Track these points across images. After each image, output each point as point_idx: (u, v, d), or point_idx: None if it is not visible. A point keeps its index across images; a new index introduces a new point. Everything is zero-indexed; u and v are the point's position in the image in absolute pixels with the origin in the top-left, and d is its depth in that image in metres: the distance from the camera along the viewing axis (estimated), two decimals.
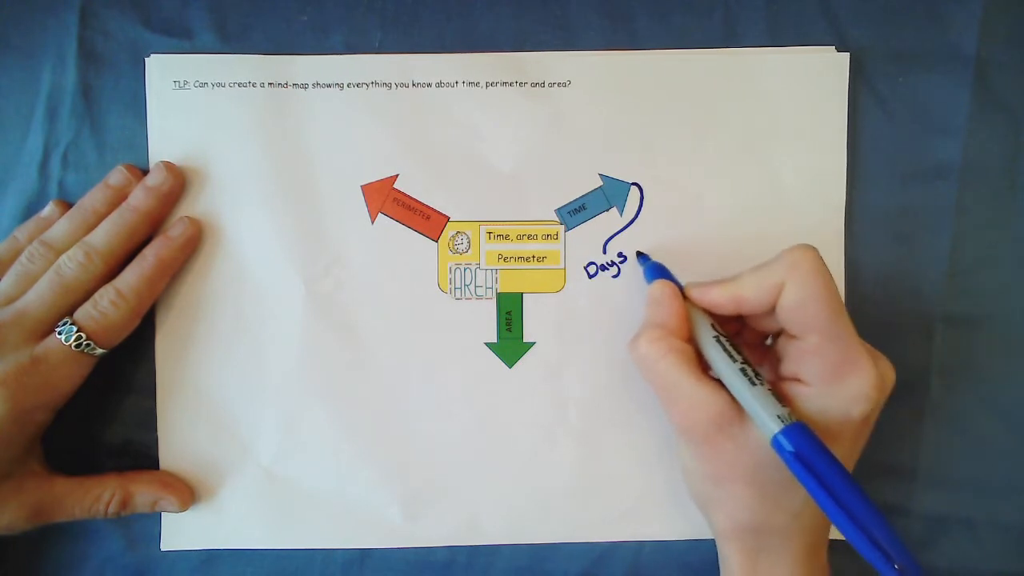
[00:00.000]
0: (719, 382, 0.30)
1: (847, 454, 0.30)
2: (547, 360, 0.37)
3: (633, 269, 0.37)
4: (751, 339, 0.34)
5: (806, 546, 0.31)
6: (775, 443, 0.28)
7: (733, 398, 0.30)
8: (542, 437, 0.37)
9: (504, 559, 0.37)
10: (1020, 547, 0.37)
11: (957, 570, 0.38)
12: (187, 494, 0.36)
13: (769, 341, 0.33)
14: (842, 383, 0.29)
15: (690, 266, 0.36)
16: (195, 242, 0.36)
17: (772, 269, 0.30)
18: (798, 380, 0.30)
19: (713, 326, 0.31)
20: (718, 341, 0.30)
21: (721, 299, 0.31)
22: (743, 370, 0.29)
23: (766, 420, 0.28)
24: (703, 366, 0.31)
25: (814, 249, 0.29)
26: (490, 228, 0.37)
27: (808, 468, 0.26)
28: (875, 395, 0.29)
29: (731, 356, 0.30)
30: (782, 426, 0.27)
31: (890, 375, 0.30)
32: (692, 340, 0.31)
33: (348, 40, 0.36)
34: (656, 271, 0.34)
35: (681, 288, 0.33)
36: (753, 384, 0.29)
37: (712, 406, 0.29)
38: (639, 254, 0.36)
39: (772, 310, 0.30)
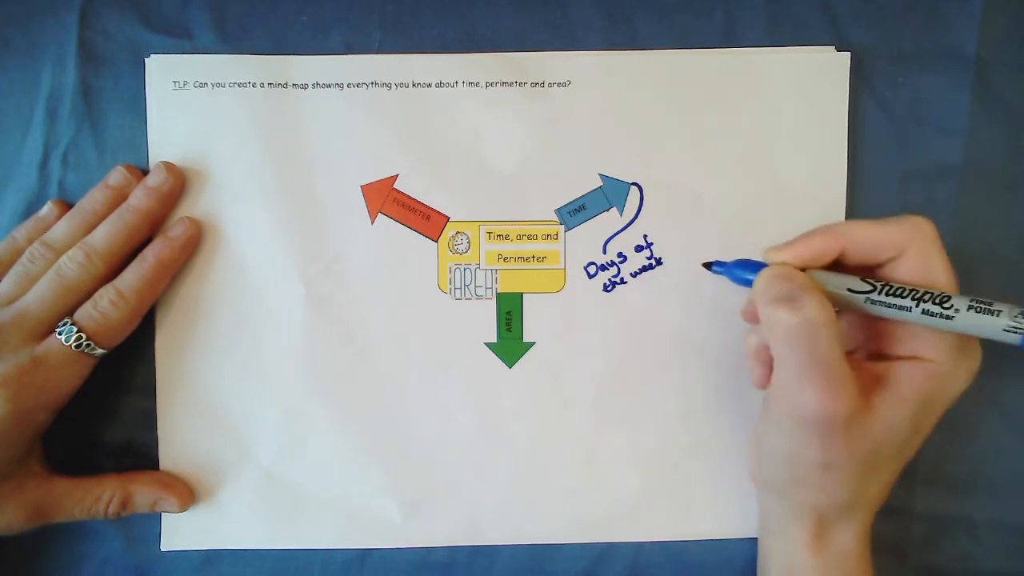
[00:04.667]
0: None
1: (933, 425, 0.30)
2: (547, 360, 0.37)
3: (632, 266, 0.37)
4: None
5: (874, 515, 0.32)
6: None
7: (861, 385, 0.29)
8: (542, 437, 0.37)
9: (504, 559, 0.37)
10: (1020, 547, 0.37)
11: (957, 570, 0.38)
12: (187, 494, 0.36)
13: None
14: (963, 359, 0.29)
15: (691, 266, 0.36)
16: (195, 242, 0.36)
17: (894, 227, 0.29)
18: (915, 358, 0.29)
19: (863, 279, 0.29)
20: (877, 286, 0.29)
21: (828, 243, 0.29)
22: (931, 296, 0.28)
23: (1002, 325, 0.27)
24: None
25: (931, 221, 0.30)
26: (490, 228, 0.37)
27: None
28: (978, 367, 0.29)
29: (915, 291, 0.28)
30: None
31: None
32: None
33: (348, 40, 0.36)
34: (746, 265, 0.32)
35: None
36: (949, 299, 0.28)
37: (856, 390, 0.28)
38: (709, 265, 0.34)
39: (871, 268, 0.30)
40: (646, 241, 0.37)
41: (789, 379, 0.29)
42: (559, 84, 0.36)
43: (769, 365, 0.33)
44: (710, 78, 0.36)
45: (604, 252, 0.37)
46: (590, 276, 0.37)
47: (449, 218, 0.37)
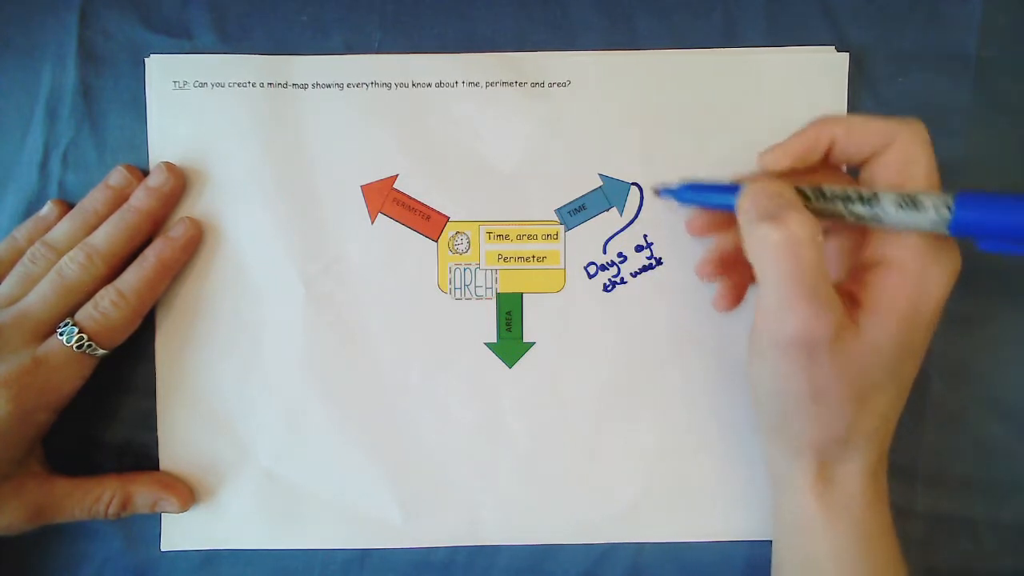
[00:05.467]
0: None
1: (924, 342, 0.29)
2: (547, 360, 0.37)
3: (632, 266, 0.37)
4: None
5: (881, 453, 0.31)
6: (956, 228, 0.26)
7: (843, 305, 0.28)
8: (542, 437, 0.37)
9: (504, 559, 0.37)
10: (1020, 547, 0.37)
11: (957, 570, 0.38)
12: (187, 494, 0.36)
13: None
14: (935, 257, 0.28)
15: (691, 266, 0.36)
16: (196, 242, 0.36)
17: (884, 119, 0.29)
18: (890, 264, 0.28)
19: (798, 188, 0.29)
20: (810, 193, 0.29)
21: (820, 133, 0.29)
22: (868, 197, 0.28)
23: (928, 218, 0.27)
24: None
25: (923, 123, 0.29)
26: (490, 228, 0.37)
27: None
28: (958, 269, 0.28)
29: (846, 194, 0.28)
30: (950, 215, 0.26)
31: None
32: None
33: (348, 40, 0.36)
34: (691, 188, 0.33)
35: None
36: (877, 199, 0.28)
37: (839, 310, 0.28)
38: (660, 190, 0.34)
39: (859, 165, 0.29)
40: (646, 241, 0.37)
41: (772, 300, 0.28)
42: (559, 84, 0.36)
43: (730, 282, 0.34)
44: (710, 78, 0.36)
45: (604, 252, 0.37)
46: (590, 276, 0.37)
47: (449, 218, 0.37)
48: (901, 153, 0.28)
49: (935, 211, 0.26)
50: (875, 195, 0.28)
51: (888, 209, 0.27)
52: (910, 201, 0.27)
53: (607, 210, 0.37)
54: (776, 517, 0.33)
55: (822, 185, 0.29)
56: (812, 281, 0.27)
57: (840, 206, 0.28)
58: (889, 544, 0.31)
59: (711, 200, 0.32)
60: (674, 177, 0.36)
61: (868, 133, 0.29)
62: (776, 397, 0.30)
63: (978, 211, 0.26)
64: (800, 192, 0.29)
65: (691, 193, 0.33)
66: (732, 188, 0.30)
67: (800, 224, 0.27)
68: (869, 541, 0.31)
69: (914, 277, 0.28)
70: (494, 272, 0.37)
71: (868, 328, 0.28)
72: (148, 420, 0.37)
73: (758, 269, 0.28)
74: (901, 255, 0.28)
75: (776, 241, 0.27)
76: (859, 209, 0.28)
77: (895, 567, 0.31)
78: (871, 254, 0.29)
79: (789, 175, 0.30)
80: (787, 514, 0.32)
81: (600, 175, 0.37)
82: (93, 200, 0.35)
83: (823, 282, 0.27)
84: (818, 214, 0.28)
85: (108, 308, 0.33)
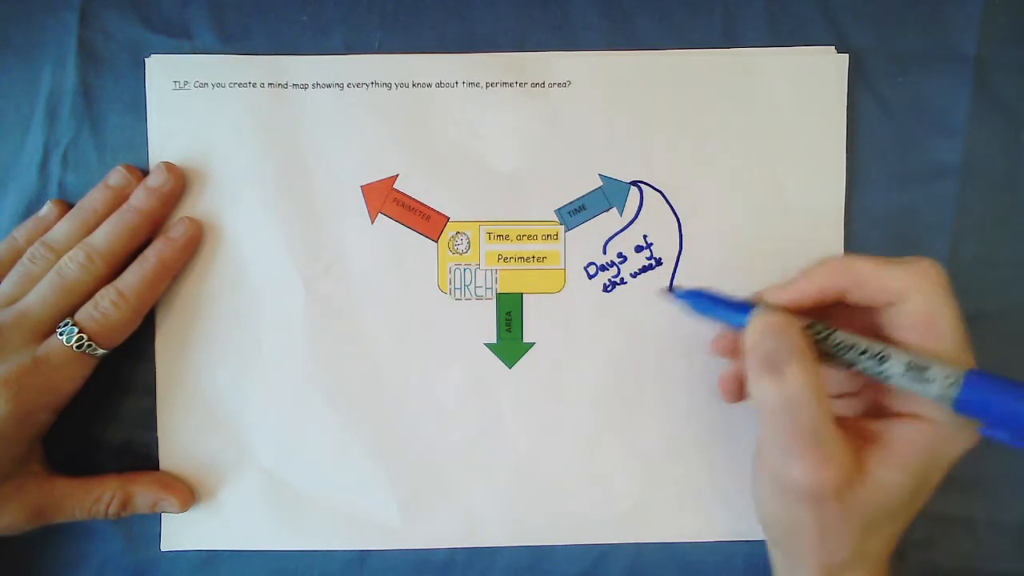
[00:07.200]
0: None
1: (934, 486, 0.29)
2: (547, 360, 0.37)
3: (632, 267, 0.37)
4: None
5: (885, 563, 0.30)
6: (961, 407, 0.26)
7: (854, 448, 0.27)
8: (542, 437, 0.37)
9: (504, 559, 0.37)
10: (1020, 547, 0.37)
11: (957, 570, 0.38)
12: (187, 495, 0.36)
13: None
14: (960, 420, 0.27)
15: (690, 267, 0.36)
16: (196, 242, 0.36)
17: (899, 270, 0.28)
18: (916, 416, 0.28)
19: (812, 324, 0.29)
20: (826, 334, 0.28)
21: (831, 281, 0.29)
22: (878, 354, 0.27)
23: (934, 391, 0.26)
24: None
25: (941, 266, 0.28)
26: (490, 228, 0.37)
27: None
28: (977, 438, 0.28)
29: (855, 346, 0.28)
30: (956, 393, 0.25)
31: None
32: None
33: (348, 40, 0.36)
34: (708, 297, 0.31)
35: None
36: (886, 359, 0.27)
37: (847, 457, 0.27)
38: (668, 290, 0.35)
39: (870, 312, 0.29)
40: (646, 241, 0.37)
41: (772, 448, 0.28)
42: (559, 84, 0.36)
43: (736, 384, 0.33)
44: (710, 78, 0.36)
45: (604, 252, 0.37)
46: (590, 276, 0.37)
47: (449, 218, 0.37)
48: (921, 308, 0.27)
49: (942, 386, 0.26)
50: (887, 354, 0.27)
51: (896, 371, 0.27)
52: (918, 369, 0.26)
53: (607, 210, 0.37)
54: None
55: (836, 329, 0.28)
56: (813, 434, 0.27)
57: (852, 355, 0.28)
58: None
59: (720, 315, 0.31)
60: (674, 179, 0.36)
61: (883, 287, 0.28)
62: (780, 527, 0.30)
63: (986, 396, 0.25)
64: (813, 329, 0.28)
65: (702, 302, 0.31)
66: (743, 307, 0.30)
67: (800, 382, 0.27)
68: None
69: (941, 437, 0.28)
70: (494, 272, 0.37)
71: (879, 474, 0.28)
72: (148, 420, 0.37)
73: (760, 416, 0.28)
74: (936, 413, 0.28)
75: (774, 403, 0.27)
76: (868, 364, 0.27)
77: None
78: (902, 403, 0.29)
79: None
80: None
81: (600, 175, 0.37)
82: (93, 200, 0.35)
83: (825, 433, 0.27)
84: (826, 357, 0.28)
85: (108, 308, 0.33)
